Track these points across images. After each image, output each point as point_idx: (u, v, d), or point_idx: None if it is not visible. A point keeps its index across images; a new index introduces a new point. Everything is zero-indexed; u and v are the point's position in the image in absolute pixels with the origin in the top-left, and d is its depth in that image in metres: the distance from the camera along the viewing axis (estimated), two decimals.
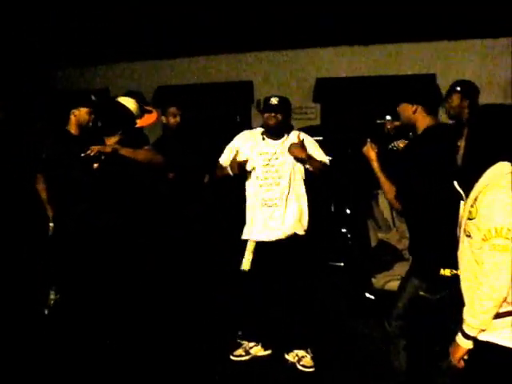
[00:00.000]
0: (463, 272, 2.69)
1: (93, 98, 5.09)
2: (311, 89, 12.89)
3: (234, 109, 13.58)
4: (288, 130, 4.74)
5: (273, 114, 4.59)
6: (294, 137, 4.67)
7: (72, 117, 4.99)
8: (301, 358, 4.65)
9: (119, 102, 4.58)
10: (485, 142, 2.65)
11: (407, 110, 3.49)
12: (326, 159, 4.72)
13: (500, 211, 2.45)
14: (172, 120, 5.63)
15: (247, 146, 4.70)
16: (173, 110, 5.63)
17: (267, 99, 4.67)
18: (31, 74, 12.45)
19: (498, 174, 2.53)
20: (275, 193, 4.58)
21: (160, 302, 5.03)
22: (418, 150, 3.40)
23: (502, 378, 2.54)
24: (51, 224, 4.90)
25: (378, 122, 4.74)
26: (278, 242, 4.59)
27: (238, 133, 4.89)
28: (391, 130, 5.11)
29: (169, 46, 12.82)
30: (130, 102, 4.58)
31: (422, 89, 3.56)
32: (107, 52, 13.11)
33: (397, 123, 4.59)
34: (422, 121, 3.46)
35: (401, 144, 4.50)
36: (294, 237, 4.63)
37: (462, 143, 2.73)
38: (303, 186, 4.71)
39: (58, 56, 13.33)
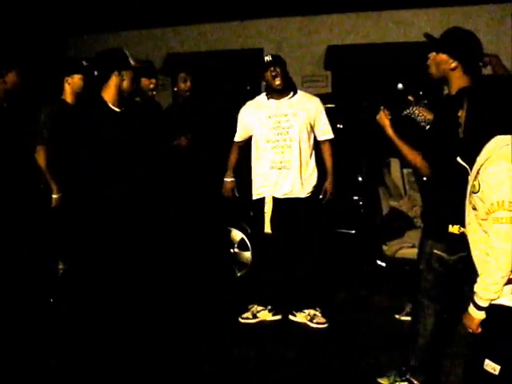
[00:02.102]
0: (473, 243, 2.73)
1: (84, 63, 5.04)
2: (322, 56, 12.77)
3: (244, 76, 13.50)
4: (291, 86, 4.76)
5: (272, 69, 4.58)
6: (300, 97, 4.73)
7: (66, 85, 4.97)
8: (313, 317, 4.75)
9: (113, 48, 4.45)
10: (484, 115, 2.64)
11: (446, 63, 3.27)
12: (330, 133, 4.82)
13: (501, 184, 2.47)
14: (182, 85, 5.57)
15: (253, 116, 4.77)
16: (183, 75, 5.57)
17: (261, 60, 4.67)
18: (40, 41, 12.38)
19: (498, 146, 2.54)
20: (285, 155, 4.61)
21: (159, 284, 5.04)
22: (449, 116, 3.28)
23: None
24: (54, 196, 4.88)
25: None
26: (287, 200, 4.68)
27: (248, 100, 4.90)
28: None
29: (178, 13, 12.69)
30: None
31: (469, 45, 3.29)
32: (116, 19, 13.01)
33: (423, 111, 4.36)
34: (458, 80, 3.26)
35: (417, 111, 4.37)
36: (299, 199, 4.72)
37: (462, 114, 2.71)
38: (311, 152, 4.75)
39: (66, 24, 13.24)
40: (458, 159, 2.80)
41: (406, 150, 3.55)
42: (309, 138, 4.69)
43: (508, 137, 2.55)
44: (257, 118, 4.71)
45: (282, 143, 4.62)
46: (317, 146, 4.81)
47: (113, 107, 4.06)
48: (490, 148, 2.56)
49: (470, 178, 2.69)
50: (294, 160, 4.62)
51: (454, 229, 3.24)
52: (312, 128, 4.70)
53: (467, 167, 2.75)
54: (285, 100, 4.68)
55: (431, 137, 3.40)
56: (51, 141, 4.84)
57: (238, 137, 4.91)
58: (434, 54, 3.36)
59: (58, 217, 4.92)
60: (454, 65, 3.27)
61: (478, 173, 2.57)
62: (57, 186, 4.89)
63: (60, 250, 5.07)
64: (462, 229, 3.17)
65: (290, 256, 4.82)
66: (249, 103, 4.87)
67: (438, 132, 3.31)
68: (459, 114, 2.74)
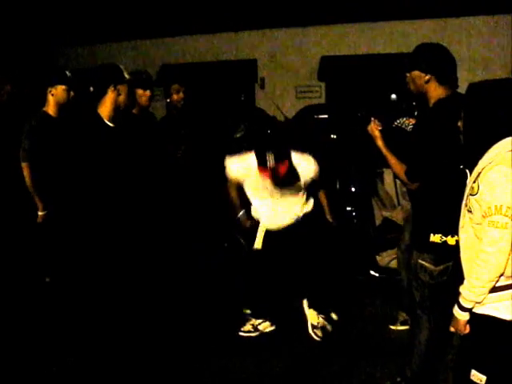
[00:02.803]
0: (464, 246, 2.73)
1: (68, 73, 4.98)
2: (316, 67, 12.83)
3: (238, 87, 13.54)
4: None
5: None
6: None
7: (50, 96, 4.84)
8: (318, 326, 4.73)
9: (108, 63, 4.42)
10: (479, 121, 2.67)
11: (420, 78, 3.37)
12: (312, 173, 4.55)
13: (501, 189, 2.46)
14: (175, 96, 5.57)
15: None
16: (175, 86, 5.57)
17: (263, 153, 4.30)
18: (34, 52, 12.39)
19: (503, 151, 2.53)
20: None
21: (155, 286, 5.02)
22: (429, 127, 3.32)
23: (502, 351, 2.58)
24: (40, 213, 4.82)
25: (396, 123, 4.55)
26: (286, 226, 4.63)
27: (242, 112, 4.91)
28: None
29: (173, 24, 12.74)
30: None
31: (437, 57, 3.39)
32: (111, 30, 13.05)
33: (413, 121, 4.42)
34: (434, 92, 3.35)
35: (407, 121, 4.45)
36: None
37: (461, 124, 2.75)
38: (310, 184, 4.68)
39: (61, 34, 13.27)
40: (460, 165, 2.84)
41: (393, 161, 3.57)
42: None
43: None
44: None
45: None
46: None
47: (108, 123, 4.06)
48: (495, 152, 2.54)
49: (468, 180, 2.69)
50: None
51: (435, 238, 3.24)
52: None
53: (467, 171, 2.77)
54: None
55: (414, 148, 3.42)
56: (34, 156, 4.76)
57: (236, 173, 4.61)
58: (408, 73, 3.46)
59: (45, 231, 4.86)
60: (427, 78, 3.37)
61: (478, 175, 2.56)
62: (42, 203, 4.81)
63: (46, 263, 5.03)
64: (444, 238, 3.20)
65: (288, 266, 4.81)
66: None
67: (424, 141, 3.33)
68: (459, 125, 2.77)
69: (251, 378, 4.11)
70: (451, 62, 3.43)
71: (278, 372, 4.19)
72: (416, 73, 3.40)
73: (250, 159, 4.48)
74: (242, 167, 4.54)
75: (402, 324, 4.73)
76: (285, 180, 4.38)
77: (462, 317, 2.63)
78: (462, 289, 2.60)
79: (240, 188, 4.65)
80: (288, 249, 4.66)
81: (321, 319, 4.80)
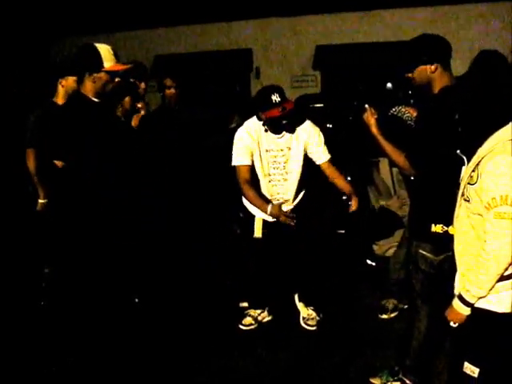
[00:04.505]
0: (458, 236, 2.67)
1: None
2: (311, 56, 12.80)
3: (233, 77, 13.51)
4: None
5: (280, 109, 4.21)
6: (301, 132, 4.43)
7: (60, 87, 4.85)
8: (310, 318, 4.74)
9: (90, 44, 4.19)
10: (477, 109, 2.64)
11: (425, 71, 3.25)
12: (327, 156, 4.54)
13: (505, 179, 2.40)
14: (167, 92, 5.44)
15: (254, 146, 4.45)
16: (168, 81, 5.44)
17: (267, 97, 4.26)
18: (29, 44, 12.35)
19: (502, 140, 2.47)
20: (282, 188, 4.56)
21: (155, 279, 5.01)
22: (434, 114, 3.27)
23: (495, 343, 2.58)
24: (40, 200, 4.82)
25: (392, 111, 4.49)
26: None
27: (237, 102, 4.86)
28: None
29: (167, 14, 12.69)
30: (102, 47, 3.98)
31: (436, 44, 3.29)
32: (104, 21, 12.98)
33: (409, 109, 4.39)
34: (439, 80, 3.25)
35: (403, 110, 4.42)
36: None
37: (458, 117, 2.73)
38: (303, 175, 4.65)
39: (54, 25, 13.20)
40: (458, 151, 2.81)
41: (389, 149, 3.53)
42: (303, 165, 4.58)
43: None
44: (257, 149, 4.47)
45: (279, 177, 4.53)
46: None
47: (93, 98, 3.89)
48: (494, 141, 2.49)
49: (466, 169, 2.65)
50: (290, 190, 4.59)
51: (436, 228, 3.21)
52: (307, 155, 4.58)
53: (464, 159, 2.75)
54: (281, 134, 4.47)
55: (418, 135, 3.38)
56: (40, 143, 4.78)
57: (246, 160, 4.45)
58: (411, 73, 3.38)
59: (44, 220, 4.87)
60: (433, 68, 3.29)
61: (477, 164, 2.50)
62: (44, 190, 4.83)
63: (45, 253, 5.03)
64: (446, 228, 3.17)
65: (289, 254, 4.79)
66: (247, 130, 4.49)
67: (428, 128, 3.29)
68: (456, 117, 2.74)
69: (251, 378, 4.10)
70: (449, 45, 3.39)
71: (278, 371, 4.18)
72: (420, 68, 3.28)
73: (251, 124, 4.44)
74: (253, 136, 4.43)
75: (393, 311, 4.76)
76: (292, 115, 4.28)
77: (465, 311, 2.56)
78: (469, 285, 2.54)
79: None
80: (286, 237, 4.66)
81: (310, 311, 4.80)
